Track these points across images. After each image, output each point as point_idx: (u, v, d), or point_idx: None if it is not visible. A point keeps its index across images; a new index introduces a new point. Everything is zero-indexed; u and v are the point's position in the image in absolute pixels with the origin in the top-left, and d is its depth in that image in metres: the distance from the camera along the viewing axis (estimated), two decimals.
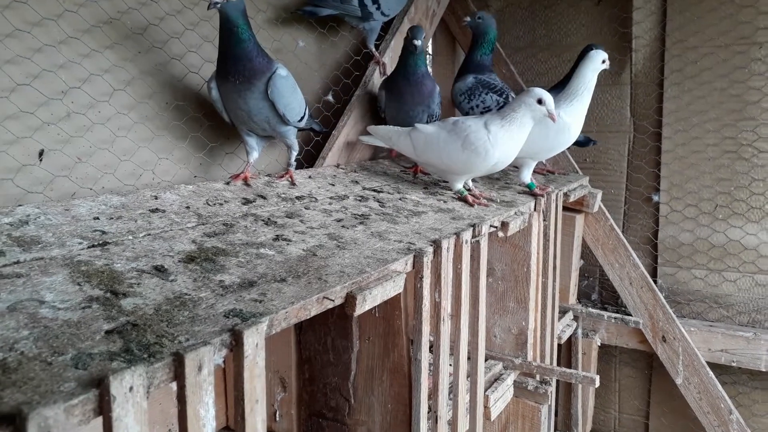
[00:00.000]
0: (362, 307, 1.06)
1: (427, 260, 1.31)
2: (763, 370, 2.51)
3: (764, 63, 2.44)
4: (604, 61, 1.91)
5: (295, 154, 1.75)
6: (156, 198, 1.37)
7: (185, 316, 0.86)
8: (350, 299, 1.05)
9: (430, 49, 3.01)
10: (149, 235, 1.18)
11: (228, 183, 1.58)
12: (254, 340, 0.82)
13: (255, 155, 1.71)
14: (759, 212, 2.55)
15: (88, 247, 1.07)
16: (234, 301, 0.93)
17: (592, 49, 2.32)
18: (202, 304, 0.91)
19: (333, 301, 1.01)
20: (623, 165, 2.83)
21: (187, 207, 1.36)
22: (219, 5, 1.44)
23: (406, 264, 1.26)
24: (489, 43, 2.28)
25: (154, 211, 1.30)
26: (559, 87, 2.39)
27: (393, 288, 1.16)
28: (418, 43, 1.95)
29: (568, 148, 2.22)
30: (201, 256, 1.10)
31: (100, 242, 1.09)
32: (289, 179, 1.73)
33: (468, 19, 2.26)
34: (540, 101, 1.68)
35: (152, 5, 1.55)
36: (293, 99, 1.64)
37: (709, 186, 2.63)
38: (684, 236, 2.71)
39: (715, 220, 2.64)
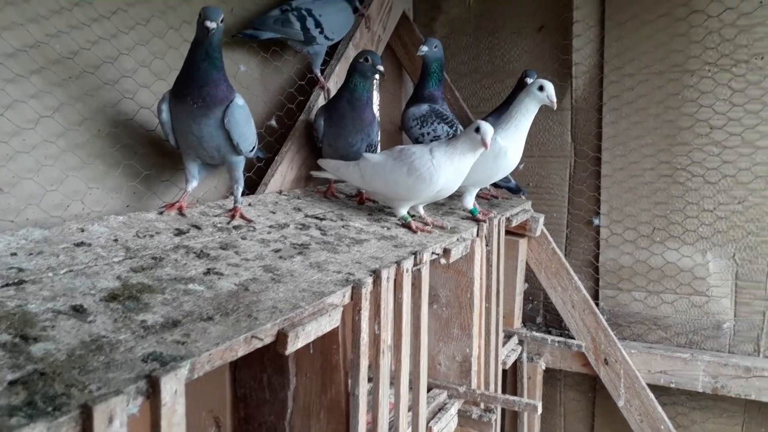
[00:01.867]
0: (294, 344, 1.03)
1: (366, 291, 1.29)
2: (700, 390, 2.58)
3: (696, 90, 2.54)
4: (542, 88, 1.94)
5: (241, 188, 1.70)
6: (82, 231, 1.31)
7: (100, 362, 0.82)
8: (281, 337, 1.02)
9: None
10: (71, 271, 1.12)
11: (161, 213, 1.53)
12: (173, 387, 0.78)
13: (194, 184, 1.66)
14: (694, 235, 2.63)
15: (1, 287, 1.01)
16: (155, 343, 0.89)
17: (527, 75, 2.39)
18: (120, 348, 0.86)
19: (262, 340, 0.98)
20: (565, 189, 2.89)
21: (115, 240, 1.31)
22: (213, 31, 1.43)
23: (344, 296, 1.24)
24: (440, 72, 2.30)
25: (79, 245, 1.25)
26: (500, 111, 2.44)
27: (328, 323, 1.13)
28: (381, 68, 1.95)
29: (512, 173, 2.25)
30: (124, 294, 1.05)
31: (16, 281, 1.03)
32: (241, 217, 1.64)
33: (425, 48, 2.24)
34: (477, 129, 1.71)
35: (84, 29, 1.50)
36: (248, 129, 1.63)
37: (647, 209, 2.70)
38: (624, 259, 2.77)
39: (653, 243, 2.71)
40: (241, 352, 0.95)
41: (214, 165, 1.70)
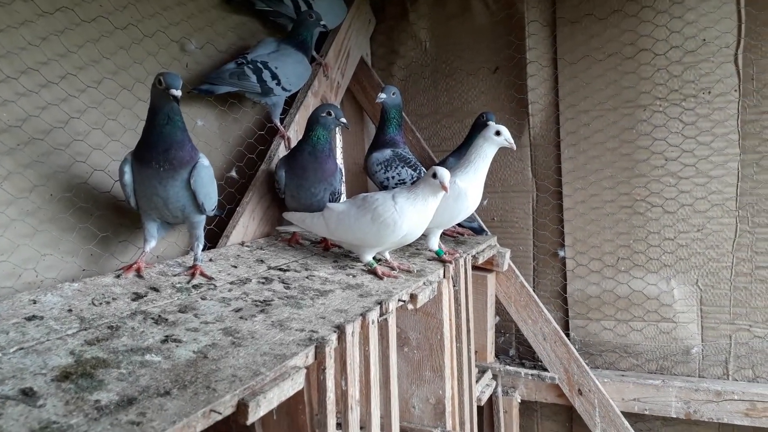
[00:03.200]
0: (255, 414, 1.00)
1: (330, 350, 1.27)
2: (674, 416, 2.59)
3: (649, 124, 2.61)
4: (498, 133, 1.98)
5: (201, 245, 1.68)
6: (34, 302, 1.28)
7: None
8: (242, 408, 0.99)
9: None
10: (22, 349, 1.09)
11: (119, 276, 1.50)
12: None
13: (153, 243, 1.64)
14: (657, 263, 2.68)
15: None
16: (108, 426, 0.86)
17: (484, 117, 2.44)
18: None
19: (221, 413, 0.95)
20: (529, 223, 2.92)
21: (69, 310, 1.27)
22: (179, 97, 1.44)
23: (307, 357, 1.22)
24: (399, 117, 2.34)
25: (31, 318, 1.21)
26: (460, 151, 2.48)
27: (291, 387, 1.11)
28: (344, 121, 1.99)
29: (476, 210, 2.28)
30: (78, 371, 1.02)
31: None
32: (201, 275, 1.62)
33: (383, 95, 2.29)
34: (434, 175, 1.73)
35: (32, 95, 1.48)
36: (212, 189, 1.64)
37: (610, 240, 2.75)
38: (591, 289, 2.80)
39: (618, 273, 2.75)
40: (200, 428, 0.92)
41: (174, 223, 1.69)
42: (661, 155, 2.61)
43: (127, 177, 1.53)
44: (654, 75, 2.58)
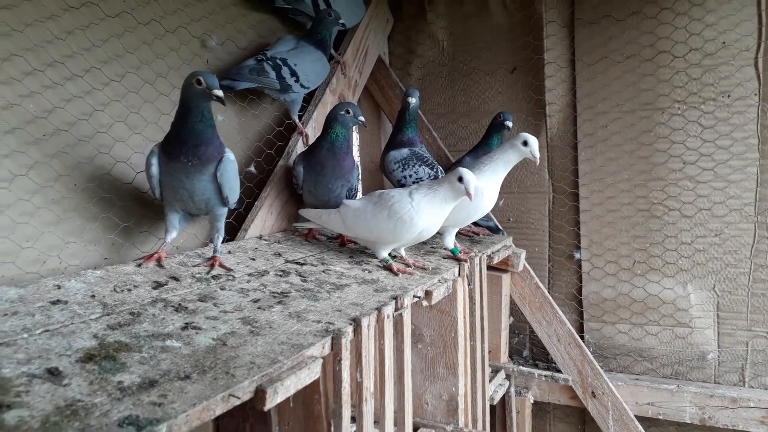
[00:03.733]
0: (273, 400, 1.02)
1: (346, 341, 1.29)
2: (688, 421, 2.58)
3: (667, 127, 2.60)
4: (526, 143, 1.98)
5: (221, 238, 1.71)
6: (59, 287, 1.30)
7: (75, 428, 0.81)
8: (260, 394, 1.01)
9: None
10: (47, 331, 1.11)
11: (140, 265, 1.53)
12: None
13: (174, 234, 1.66)
14: (673, 267, 2.66)
15: None
16: (131, 405, 0.88)
17: (501, 117, 2.44)
18: (96, 412, 0.85)
19: (240, 398, 0.97)
20: (545, 224, 2.92)
21: (93, 296, 1.30)
22: (223, 97, 1.49)
23: (323, 348, 1.23)
24: (416, 118, 2.37)
25: (56, 302, 1.24)
26: (477, 151, 2.49)
27: (308, 376, 1.13)
28: (362, 119, 2.01)
29: (492, 210, 2.28)
30: (101, 354, 1.04)
31: None
32: (220, 266, 1.64)
33: (414, 100, 2.34)
34: (460, 179, 1.73)
35: (58, 88, 1.51)
36: (236, 182, 1.69)
37: (627, 243, 2.73)
38: (606, 292, 2.79)
39: (634, 276, 2.73)
40: (218, 411, 0.94)
41: (197, 215, 1.72)
42: (679, 158, 2.59)
43: (154, 169, 1.57)
44: (673, 78, 2.56)
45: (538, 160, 2.02)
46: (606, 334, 2.81)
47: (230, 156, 1.61)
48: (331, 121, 2.00)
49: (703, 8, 2.50)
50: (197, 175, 1.56)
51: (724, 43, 2.48)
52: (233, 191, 1.66)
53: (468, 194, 1.73)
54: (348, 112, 1.98)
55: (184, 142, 1.52)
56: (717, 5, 2.49)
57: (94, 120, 1.62)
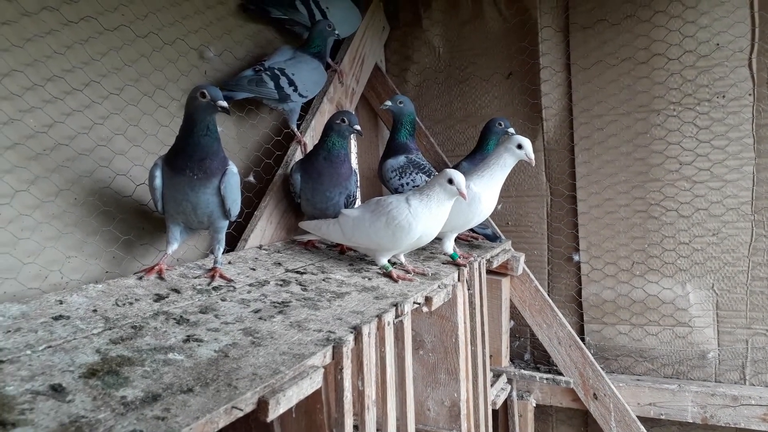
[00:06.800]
0: (276, 411, 1.03)
1: (347, 350, 1.30)
2: (690, 421, 2.58)
3: (663, 128, 2.62)
4: (520, 147, 1.99)
5: (222, 249, 1.72)
6: (61, 303, 1.31)
7: None
8: (262, 405, 1.02)
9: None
10: (50, 347, 1.12)
11: (141, 278, 1.54)
12: None
13: (175, 246, 1.68)
14: (672, 267, 2.67)
15: None
16: (135, 420, 0.89)
17: (495, 122, 2.45)
18: (100, 428, 0.86)
19: (242, 410, 0.98)
20: (543, 227, 2.93)
21: (95, 310, 1.31)
22: (228, 108, 1.51)
23: (325, 357, 1.24)
24: (411, 124, 2.36)
25: (58, 318, 1.25)
26: (473, 156, 2.50)
27: (309, 386, 1.14)
28: (358, 128, 2.02)
29: (491, 215, 2.29)
30: (104, 369, 1.05)
31: None
32: (221, 277, 1.65)
33: (389, 103, 2.31)
34: (450, 181, 1.74)
35: (57, 102, 1.53)
36: (239, 195, 1.69)
37: (625, 244, 2.75)
38: (606, 293, 2.80)
39: (633, 277, 2.75)
40: (222, 424, 0.95)
41: (198, 229, 1.72)
42: (675, 159, 2.61)
43: (158, 182, 1.58)
44: (668, 79, 2.58)
45: (533, 162, 2.03)
46: (606, 336, 2.82)
47: (233, 169, 1.62)
48: (327, 130, 2.02)
49: (696, 11, 2.53)
50: (201, 189, 1.57)
51: (717, 44, 2.50)
52: (236, 204, 1.67)
53: (461, 194, 1.74)
54: (343, 121, 2.00)
55: (190, 155, 1.53)
56: (710, 8, 2.51)
57: (94, 133, 1.63)
